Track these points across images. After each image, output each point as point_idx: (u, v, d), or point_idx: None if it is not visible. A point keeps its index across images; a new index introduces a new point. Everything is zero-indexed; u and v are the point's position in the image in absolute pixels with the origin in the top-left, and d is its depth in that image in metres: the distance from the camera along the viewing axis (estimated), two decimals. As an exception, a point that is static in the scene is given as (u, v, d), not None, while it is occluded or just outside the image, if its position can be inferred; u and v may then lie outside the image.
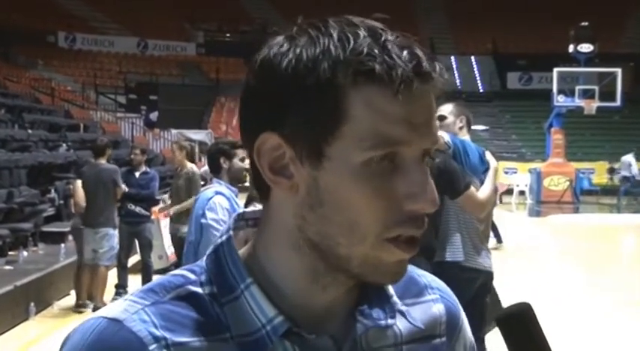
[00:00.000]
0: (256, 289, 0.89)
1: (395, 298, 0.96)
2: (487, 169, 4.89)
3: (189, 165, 9.82)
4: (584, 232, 18.57)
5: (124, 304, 0.89)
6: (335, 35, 0.85)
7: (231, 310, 0.89)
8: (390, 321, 0.94)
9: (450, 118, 4.93)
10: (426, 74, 0.85)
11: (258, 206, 1.00)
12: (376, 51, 0.84)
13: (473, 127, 5.21)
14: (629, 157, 26.88)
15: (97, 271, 9.11)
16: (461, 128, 4.96)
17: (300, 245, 0.89)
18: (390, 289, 0.96)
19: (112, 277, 9.62)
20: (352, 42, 0.84)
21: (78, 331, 0.88)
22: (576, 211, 25.01)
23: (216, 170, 5.30)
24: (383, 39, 0.85)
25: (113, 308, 0.89)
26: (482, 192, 4.67)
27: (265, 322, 0.88)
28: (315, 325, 0.90)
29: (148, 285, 0.92)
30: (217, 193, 5.07)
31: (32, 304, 8.70)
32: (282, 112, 0.86)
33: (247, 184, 5.32)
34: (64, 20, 37.08)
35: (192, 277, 0.92)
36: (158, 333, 0.86)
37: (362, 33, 0.85)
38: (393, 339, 0.96)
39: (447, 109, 4.92)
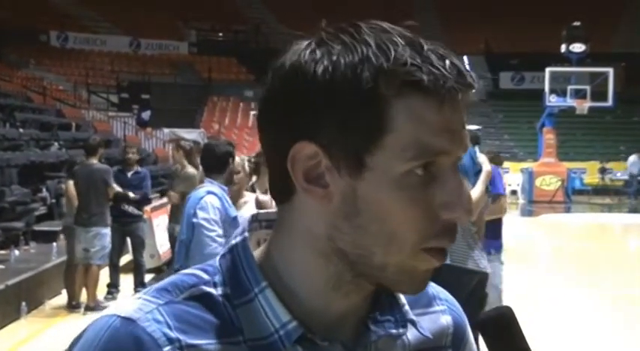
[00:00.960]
0: (271, 293, 0.88)
1: (407, 307, 0.96)
2: (479, 171, 4.89)
3: (191, 168, 9.54)
4: (576, 232, 18.63)
5: (138, 303, 0.87)
6: (372, 43, 0.84)
7: (244, 313, 0.88)
8: (401, 330, 0.94)
9: None
10: (469, 85, 0.86)
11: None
12: (419, 61, 0.83)
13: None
14: (635, 157, 27.09)
15: (89, 271, 9.09)
16: None
17: (328, 253, 0.88)
18: (402, 298, 0.96)
19: (104, 276, 9.60)
20: (393, 51, 0.84)
21: (91, 328, 0.87)
22: (568, 210, 25.09)
23: (221, 170, 5.25)
24: (425, 49, 0.85)
25: (126, 306, 0.87)
26: (473, 194, 4.66)
27: (279, 327, 0.87)
28: (328, 331, 0.90)
29: (161, 283, 0.90)
30: (209, 192, 5.05)
31: (23, 303, 8.68)
32: (319, 120, 0.84)
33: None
34: (56, 19, 36.96)
35: (206, 277, 0.90)
36: (172, 334, 0.85)
37: (399, 41, 0.85)
38: (402, 348, 0.96)
39: None
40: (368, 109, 0.83)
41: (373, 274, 0.87)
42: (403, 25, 0.88)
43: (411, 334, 0.97)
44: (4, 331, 8.12)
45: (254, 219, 0.97)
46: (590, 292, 10.75)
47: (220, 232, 4.86)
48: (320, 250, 0.88)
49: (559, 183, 26.68)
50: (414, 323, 0.96)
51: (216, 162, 5.27)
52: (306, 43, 0.88)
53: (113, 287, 9.57)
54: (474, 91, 0.87)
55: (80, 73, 34.04)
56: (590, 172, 31.01)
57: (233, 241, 0.93)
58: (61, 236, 10.71)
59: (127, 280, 9.64)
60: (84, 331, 0.88)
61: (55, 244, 11.06)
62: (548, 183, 26.84)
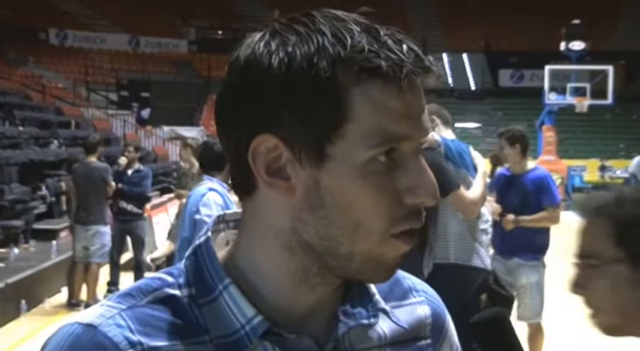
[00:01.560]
0: (235, 289, 0.88)
1: (377, 297, 0.95)
2: (473, 168, 4.88)
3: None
4: (576, 230, 18.58)
5: (101, 309, 0.87)
6: (328, 32, 0.83)
7: (209, 312, 0.87)
8: (372, 320, 0.93)
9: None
10: (427, 69, 0.84)
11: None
12: (376, 47, 0.82)
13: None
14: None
15: (89, 269, 9.10)
16: (433, 128, 4.93)
17: (292, 246, 0.87)
18: (373, 288, 0.95)
19: (105, 274, 9.60)
20: (349, 38, 0.83)
21: (54, 338, 0.87)
22: (568, 208, 25.07)
23: (220, 168, 5.25)
24: (382, 34, 0.84)
25: (89, 313, 0.87)
26: (473, 192, 4.63)
27: (244, 323, 0.87)
28: (298, 325, 0.89)
29: (126, 289, 0.90)
30: (211, 189, 5.06)
31: (23, 301, 8.69)
32: (277, 112, 0.83)
33: None
34: (55, 17, 36.95)
35: (170, 279, 0.90)
36: (134, 338, 0.84)
37: (354, 28, 0.84)
38: (377, 340, 0.94)
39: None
40: (327, 99, 0.82)
41: (340, 264, 0.86)
42: (358, 12, 0.87)
43: (386, 326, 0.95)
44: (4, 330, 8.12)
45: (220, 219, 0.96)
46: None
47: None
48: (284, 244, 0.87)
49: (559, 181, 26.64)
50: (385, 312, 0.95)
51: (215, 159, 5.27)
52: (259, 35, 0.87)
53: (113, 285, 9.57)
54: (433, 75, 0.86)
55: (79, 71, 34.03)
56: (590, 170, 31.02)
57: (197, 242, 0.92)
58: (62, 234, 10.71)
59: (127, 278, 9.63)
60: (47, 340, 0.87)
61: (54, 242, 11.06)
62: (548, 181, 26.85)
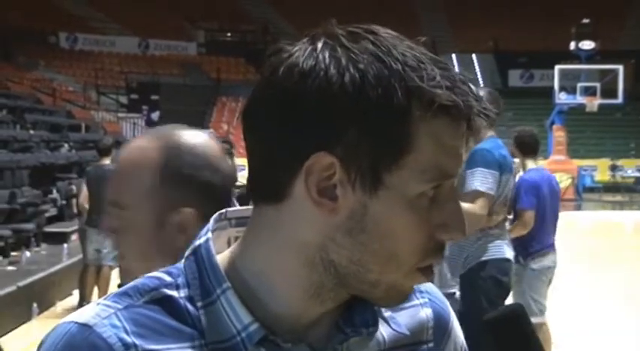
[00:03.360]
0: (233, 295, 0.86)
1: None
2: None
3: None
4: (587, 230, 18.56)
5: (97, 309, 0.86)
6: (399, 56, 0.82)
7: (206, 316, 0.86)
8: (371, 329, 0.92)
9: None
10: (486, 111, 0.85)
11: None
12: (449, 83, 0.82)
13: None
14: None
15: (101, 271, 9.12)
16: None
17: (315, 263, 0.85)
18: None
19: (115, 277, 9.62)
20: (424, 70, 0.82)
21: (50, 336, 0.86)
22: (578, 208, 25.00)
23: None
24: (448, 71, 0.84)
25: (85, 312, 0.86)
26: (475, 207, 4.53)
27: (241, 329, 0.85)
28: (297, 333, 0.88)
29: (123, 288, 0.89)
30: None
31: (35, 304, 8.71)
32: (341, 131, 0.81)
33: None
34: (65, 21, 37.07)
35: (169, 279, 0.88)
36: (129, 339, 0.83)
37: (425, 59, 0.83)
38: (377, 346, 0.93)
39: None
40: (396, 128, 0.81)
41: (363, 288, 0.86)
42: (415, 41, 0.86)
43: (386, 331, 0.94)
44: (16, 333, 8.14)
45: (222, 217, 0.94)
46: (601, 290, 10.71)
47: None
48: (306, 258, 0.85)
49: (569, 180, 26.58)
50: (386, 321, 0.94)
51: None
52: (321, 42, 0.84)
53: (124, 288, 9.60)
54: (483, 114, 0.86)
55: (89, 74, 34.15)
56: (600, 170, 30.89)
57: (197, 242, 0.90)
58: (73, 237, 10.74)
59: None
60: (44, 339, 0.87)
61: (65, 245, 11.09)
62: (559, 180, 26.72)
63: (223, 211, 0.95)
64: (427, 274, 0.87)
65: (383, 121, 0.81)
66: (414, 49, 0.84)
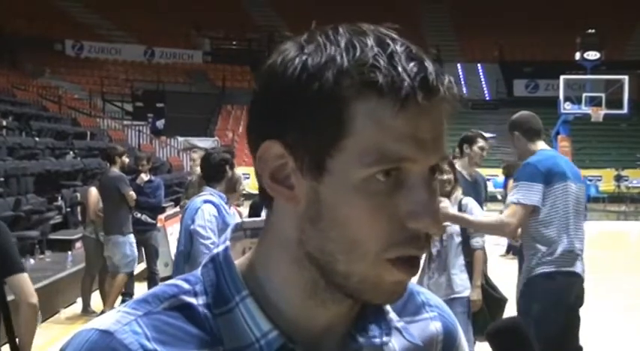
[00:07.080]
0: (251, 302, 0.87)
1: (392, 315, 0.94)
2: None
3: None
4: (591, 240, 18.48)
5: (117, 315, 0.87)
6: (342, 43, 0.82)
7: (224, 323, 0.87)
8: (385, 338, 0.92)
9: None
10: (432, 88, 0.81)
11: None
12: (382, 62, 0.80)
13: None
14: None
15: (115, 278, 9.13)
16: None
17: (301, 258, 0.86)
18: (387, 305, 0.94)
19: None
20: (359, 51, 0.81)
21: (71, 344, 0.86)
22: (585, 218, 24.94)
23: (218, 179, 5.31)
24: (391, 49, 0.82)
25: (106, 319, 0.87)
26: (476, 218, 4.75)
27: (259, 336, 0.86)
28: (312, 342, 0.88)
29: (142, 295, 0.90)
30: (206, 201, 5.14)
31: (39, 311, 8.70)
32: (286, 120, 0.83)
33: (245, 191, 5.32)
34: (71, 28, 37.19)
35: (187, 286, 0.89)
36: (150, 345, 0.84)
37: (370, 42, 0.82)
38: None
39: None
40: (328, 110, 0.81)
41: (338, 282, 0.84)
42: (387, 26, 0.85)
43: (398, 342, 0.94)
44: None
45: (238, 227, 0.96)
46: (605, 300, 10.68)
47: (216, 240, 4.91)
48: (293, 256, 0.86)
49: (574, 191, 26.53)
50: (399, 331, 0.94)
51: (212, 170, 5.33)
52: (288, 44, 0.87)
53: (128, 295, 9.59)
54: (449, 96, 0.82)
55: (95, 82, 34.23)
56: (605, 180, 30.85)
57: (215, 251, 0.91)
58: (77, 245, 10.73)
59: (141, 289, 9.65)
60: (64, 346, 0.87)
61: (70, 252, 11.11)
62: (563, 191, 26.69)
63: (240, 221, 0.97)
64: (401, 268, 0.83)
65: (316, 105, 0.82)
66: (368, 34, 0.83)
